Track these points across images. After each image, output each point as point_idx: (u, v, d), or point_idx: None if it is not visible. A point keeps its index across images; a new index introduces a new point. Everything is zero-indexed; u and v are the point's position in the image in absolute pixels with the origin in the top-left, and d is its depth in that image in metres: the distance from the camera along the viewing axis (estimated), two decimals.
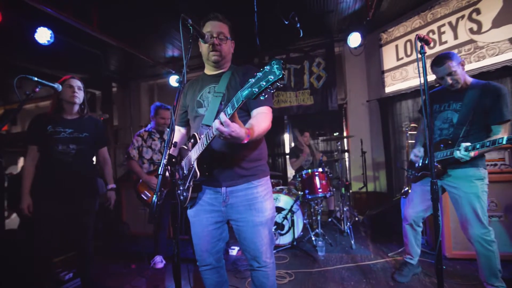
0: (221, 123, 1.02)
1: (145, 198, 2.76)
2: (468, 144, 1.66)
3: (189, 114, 1.50)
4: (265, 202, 1.38)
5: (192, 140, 1.34)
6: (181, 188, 1.37)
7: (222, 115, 1.03)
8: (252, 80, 0.96)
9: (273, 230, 3.18)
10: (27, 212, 1.87)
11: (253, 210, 1.34)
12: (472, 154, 1.63)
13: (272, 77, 0.91)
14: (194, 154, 1.30)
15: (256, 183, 1.37)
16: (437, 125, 1.97)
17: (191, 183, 1.33)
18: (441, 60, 1.82)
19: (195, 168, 1.28)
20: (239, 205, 1.35)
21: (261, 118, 1.27)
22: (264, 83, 0.92)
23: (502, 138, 1.50)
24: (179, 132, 1.61)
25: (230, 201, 1.36)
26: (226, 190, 1.36)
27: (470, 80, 1.87)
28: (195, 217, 1.44)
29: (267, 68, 0.93)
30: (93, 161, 2.17)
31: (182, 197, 1.37)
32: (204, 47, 1.40)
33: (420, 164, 2.09)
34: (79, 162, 1.97)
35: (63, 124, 1.95)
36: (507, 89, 1.87)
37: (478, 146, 1.60)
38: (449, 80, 1.83)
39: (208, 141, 1.18)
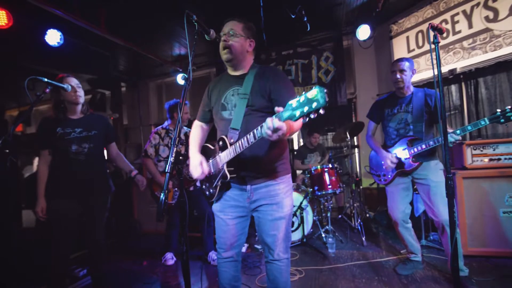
0: (273, 129, 1.04)
1: (159, 196, 2.79)
2: (451, 130, 1.89)
3: (214, 115, 1.53)
4: (286, 199, 1.43)
5: (220, 143, 1.39)
6: (207, 184, 1.47)
7: (275, 121, 1.03)
8: (294, 103, 0.98)
9: None
10: (41, 215, 1.88)
11: (274, 204, 1.40)
12: (459, 137, 1.87)
13: (316, 105, 0.92)
14: (224, 157, 1.36)
15: (279, 180, 1.42)
16: (392, 126, 2.26)
17: (219, 183, 1.40)
18: (402, 59, 2.21)
19: (225, 170, 1.34)
20: (261, 200, 1.41)
21: None
22: (307, 109, 0.94)
23: (484, 119, 1.80)
24: (201, 128, 1.65)
25: (254, 198, 1.41)
26: (251, 187, 1.41)
27: (412, 87, 2.23)
28: (220, 211, 1.49)
29: (310, 93, 0.93)
30: (104, 158, 2.18)
31: (208, 193, 1.49)
32: (220, 48, 1.41)
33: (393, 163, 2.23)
34: (92, 160, 1.99)
35: (71, 124, 1.95)
36: None
37: (469, 128, 1.84)
38: (398, 75, 2.15)
39: (243, 149, 1.26)
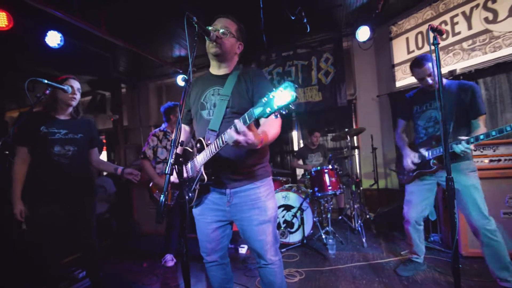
0: (238, 132, 1.02)
1: (158, 198, 2.78)
2: (465, 138, 1.69)
3: (193, 115, 1.50)
4: (268, 202, 1.40)
5: (198, 145, 1.36)
6: (186, 188, 1.42)
7: (239, 124, 1.02)
8: (265, 100, 0.97)
9: (283, 228, 3.16)
10: (20, 218, 1.75)
11: (256, 209, 1.37)
12: (472, 146, 1.67)
13: (286, 100, 0.93)
14: (201, 159, 1.33)
15: (259, 183, 1.40)
16: (421, 125, 2.08)
17: (197, 186, 1.37)
18: (421, 62, 1.94)
19: (202, 173, 1.31)
20: (242, 205, 1.37)
21: (272, 125, 1.27)
22: (278, 105, 0.95)
23: (508, 126, 1.54)
24: (184, 130, 1.63)
25: (234, 201, 1.38)
26: (230, 191, 1.38)
27: (445, 80, 1.99)
28: (200, 215, 1.47)
29: (280, 89, 0.94)
30: (88, 162, 2.10)
31: (187, 197, 1.42)
32: (207, 42, 1.38)
33: (414, 164, 2.11)
34: (75, 163, 1.91)
35: (57, 124, 1.86)
36: None
37: (493, 133, 1.61)
38: (430, 80, 1.93)
39: (218, 150, 1.22)
